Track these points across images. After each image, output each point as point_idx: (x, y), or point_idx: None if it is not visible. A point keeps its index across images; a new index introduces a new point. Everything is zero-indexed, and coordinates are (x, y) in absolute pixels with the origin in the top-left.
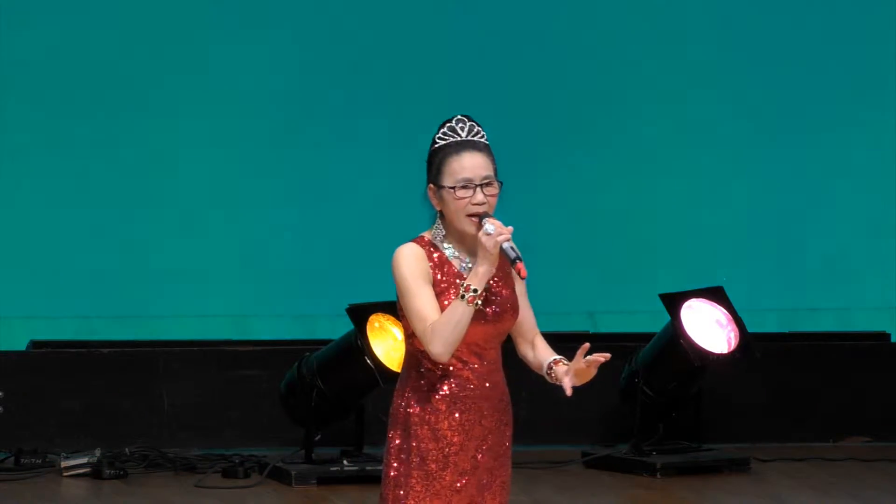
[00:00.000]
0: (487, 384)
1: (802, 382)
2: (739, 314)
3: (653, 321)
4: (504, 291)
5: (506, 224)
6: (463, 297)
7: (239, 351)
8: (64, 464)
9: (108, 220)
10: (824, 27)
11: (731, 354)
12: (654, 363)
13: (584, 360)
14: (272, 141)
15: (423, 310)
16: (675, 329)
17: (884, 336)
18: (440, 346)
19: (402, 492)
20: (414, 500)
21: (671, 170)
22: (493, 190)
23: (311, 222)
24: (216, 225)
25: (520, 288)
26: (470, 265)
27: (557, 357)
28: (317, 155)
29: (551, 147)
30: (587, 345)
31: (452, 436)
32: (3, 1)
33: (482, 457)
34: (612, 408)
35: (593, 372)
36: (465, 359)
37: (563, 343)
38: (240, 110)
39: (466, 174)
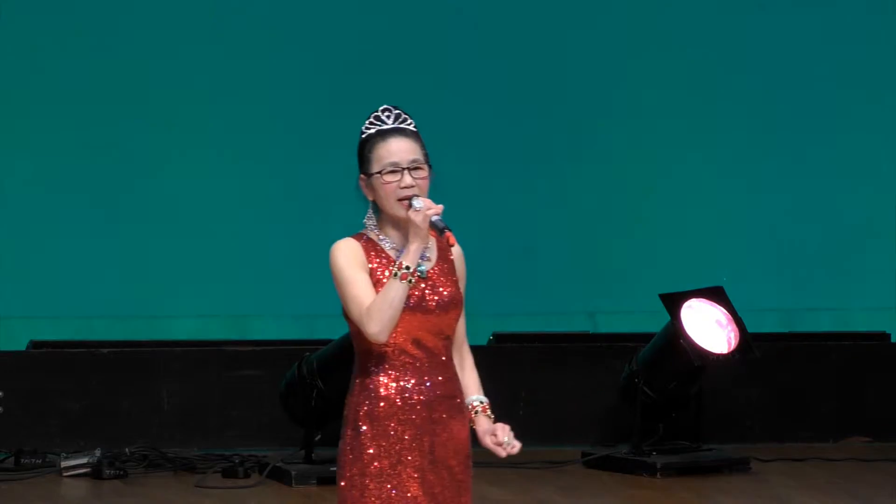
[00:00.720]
0: (437, 379)
1: (802, 382)
2: (739, 314)
3: (653, 321)
4: (448, 287)
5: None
6: (396, 274)
7: (239, 351)
8: (64, 464)
9: (109, 220)
10: (824, 26)
11: (731, 354)
12: (654, 363)
13: (490, 440)
14: (272, 141)
15: (360, 295)
16: (675, 329)
17: (884, 336)
18: (376, 325)
19: (357, 493)
20: (370, 499)
21: (671, 170)
22: (423, 173)
23: (310, 222)
24: (216, 225)
25: (462, 286)
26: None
27: (482, 400)
28: (317, 155)
29: (551, 147)
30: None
31: (403, 431)
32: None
33: (438, 452)
34: (612, 408)
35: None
36: (410, 352)
37: (564, 343)
38: (240, 110)
39: (393, 158)
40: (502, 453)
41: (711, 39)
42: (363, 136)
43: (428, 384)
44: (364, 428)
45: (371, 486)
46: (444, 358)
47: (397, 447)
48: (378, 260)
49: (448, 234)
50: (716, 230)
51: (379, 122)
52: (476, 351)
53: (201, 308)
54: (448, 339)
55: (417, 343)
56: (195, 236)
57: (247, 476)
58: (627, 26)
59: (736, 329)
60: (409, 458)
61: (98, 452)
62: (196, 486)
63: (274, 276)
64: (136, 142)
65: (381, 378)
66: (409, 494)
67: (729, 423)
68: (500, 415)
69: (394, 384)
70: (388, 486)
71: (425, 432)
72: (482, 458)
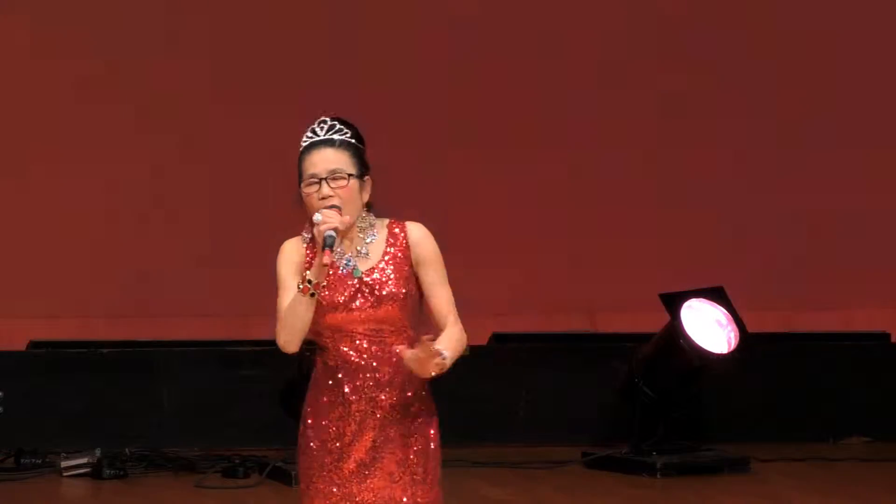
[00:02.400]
0: (380, 374)
1: (802, 382)
2: (739, 314)
3: (653, 321)
4: (390, 281)
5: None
6: (299, 287)
7: (239, 351)
8: (64, 464)
9: (109, 220)
10: (829, 23)
11: (731, 354)
12: (654, 363)
13: (422, 351)
14: (272, 141)
15: (281, 302)
16: (675, 329)
17: (884, 336)
18: (282, 336)
19: (304, 485)
20: (314, 491)
21: (671, 169)
22: (342, 183)
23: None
24: (216, 225)
25: (430, 276)
26: (344, 256)
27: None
28: None
29: (551, 147)
30: (426, 338)
31: (345, 427)
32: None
33: (384, 447)
34: (612, 408)
35: (428, 367)
36: (343, 351)
37: (564, 343)
38: (239, 111)
39: (312, 169)
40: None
41: (713, 38)
42: (299, 149)
43: (371, 380)
44: (309, 422)
45: (316, 481)
46: (387, 352)
47: (338, 444)
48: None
49: (328, 251)
50: (716, 230)
51: (312, 135)
52: (476, 351)
53: (201, 308)
54: (396, 334)
55: (352, 340)
56: (195, 236)
57: (247, 476)
58: (629, 25)
59: (736, 329)
60: (351, 451)
61: (98, 452)
62: (196, 486)
63: (274, 276)
64: (135, 142)
65: (326, 375)
66: (353, 492)
67: (729, 423)
68: (500, 415)
69: (337, 378)
70: (332, 481)
71: (367, 427)
72: (482, 458)
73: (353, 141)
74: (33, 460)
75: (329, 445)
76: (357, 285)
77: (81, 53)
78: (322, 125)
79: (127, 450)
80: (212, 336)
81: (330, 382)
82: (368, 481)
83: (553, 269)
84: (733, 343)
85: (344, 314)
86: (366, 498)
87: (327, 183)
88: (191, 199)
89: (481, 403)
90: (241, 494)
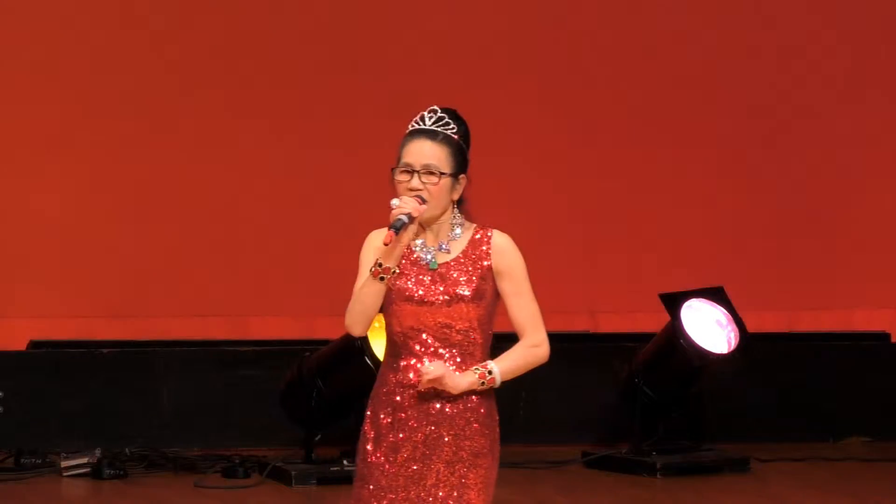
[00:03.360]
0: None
1: (802, 382)
2: (739, 314)
3: (653, 321)
4: (462, 281)
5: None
6: (371, 270)
7: (239, 351)
8: (64, 464)
9: (109, 220)
10: (826, 24)
11: (731, 354)
12: (654, 363)
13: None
14: (272, 141)
15: (355, 289)
16: (675, 329)
17: (884, 336)
18: (348, 318)
19: (367, 491)
20: (374, 484)
21: (672, 169)
22: (434, 179)
23: (311, 222)
24: (216, 225)
25: (510, 286)
26: (426, 248)
27: (481, 369)
28: (317, 155)
29: (551, 147)
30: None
31: (404, 421)
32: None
33: (448, 447)
34: (612, 408)
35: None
36: (411, 346)
37: (564, 343)
38: (239, 111)
39: (408, 158)
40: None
41: (713, 38)
42: (405, 132)
43: (432, 395)
44: (368, 413)
45: (378, 476)
46: (462, 351)
47: (391, 438)
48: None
49: (390, 233)
50: (716, 230)
51: (420, 122)
52: None
53: (201, 308)
54: (463, 334)
55: (419, 336)
56: (195, 236)
57: (247, 476)
58: (633, 24)
59: (736, 329)
60: (403, 449)
61: (98, 452)
62: (196, 486)
63: (274, 276)
64: (135, 142)
65: (389, 367)
66: (411, 489)
67: (729, 423)
68: (500, 415)
69: (410, 375)
70: (393, 474)
71: (424, 424)
72: None
73: (456, 137)
74: (33, 460)
75: (385, 436)
76: (431, 279)
77: (82, 53)
78: (431, 114)
79: (127, 450)
80: (212, 336)
81: (409, 379)
82: (433, 477)
83: (553, 269)
84: (733, 343)
85: (415, 307)
86: (412, 495)
87: (419, 176)
88: (191, 199)
89: None
90: (241, 494)
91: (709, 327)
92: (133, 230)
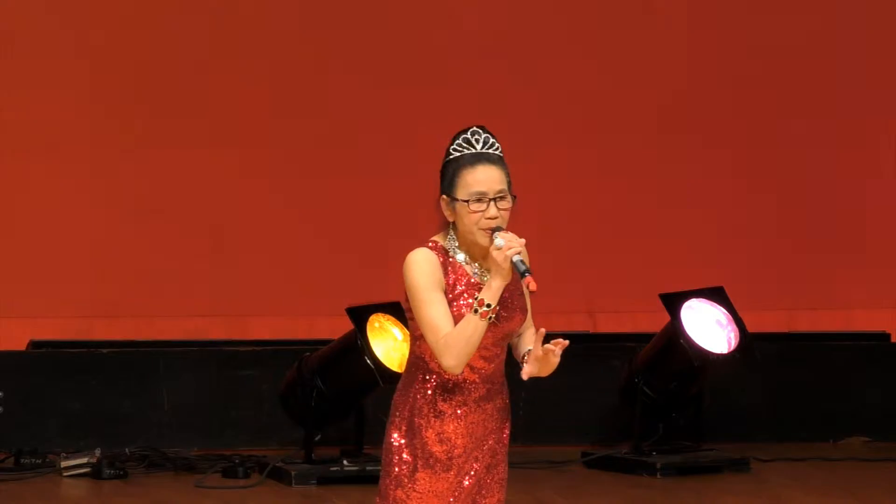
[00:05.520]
0: (492, 386)
1: (802, 382)
2: (739, 314)
3: (653, 321)
4: (514, 293)
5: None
6: (476, 311)
7: (239, 351)
8: (64, 464)
9: (109, 220)
10: (827, 22)
11: (731, 354)
12: (654, 363)
13: (541, 348)
14: (271, 141)
15: (436, 321)
16: (675, 329)
17: (884, 336)
18: (453, 359)
19: (402, 492)
20: (416, 501)
21: (671, 169)
22: (507, 204)
23: (311, 222)
24: (216, 225)
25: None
26: (479, 271)
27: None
28: (317, 155)
29: (551, 147)
30: (543, 330)
31: (457, 439)
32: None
33: (483, 457)
34: (612, 408)
35: (553, 360)
36: (473, 364)
37: None
38: (239, 110)
39: (481, 188)
40: (555, 348)
41: (713, 37)
42: (450, 157)
43: (484, 393)
44: (419, 431)
45: (419, 489)
46: (500, 364)
47: (450, 454)
48: (454, 275)
49: (529, 278)
50: (716, 230)
51: (468, 146)
52: None
53: (201, 308)
54: (497, 359)
55: (481, 355)
56: (195, 236)
57: (247, 476)
58: (631, 25)
59: (736, 329)
60: (459, 463)
61: (98, 452)
62: (196, 486)
63: (274, 275)
64: (135, 142)
65: (438, 384)
66: (452, 501)
67: (729, 423)
68: None
69: (453, 391)
70: (435, 490)
71: (476, 438)
72: None
73: (502, 155)
74: (33, 460)
75: (439, 457)
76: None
77: (82, 52)
78: (476, 136)
79: (127, 450)
80: (212, 336)
81: (452, 395)
82: (471, 490)
83: (553, 269)
84: (733, 343)
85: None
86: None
87: (495, 204)
88: (191, 199)
89: None
90: (241, 494)
91: (709, 327)
92: (133, 230)
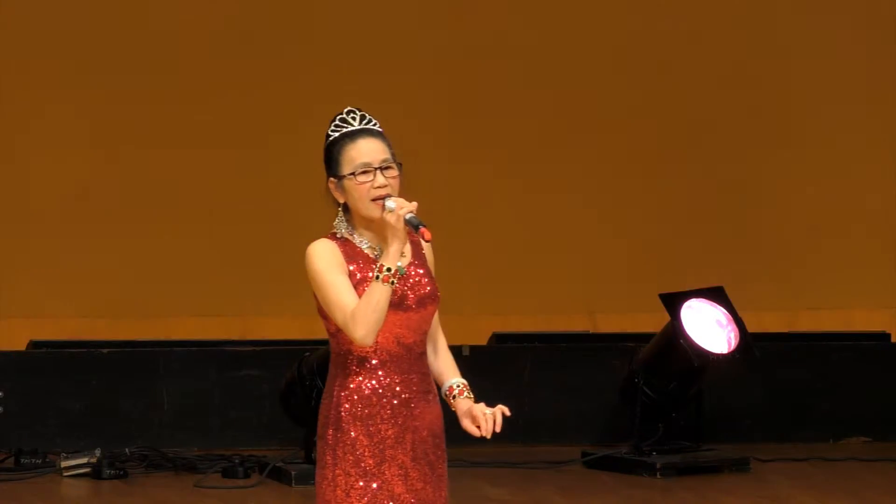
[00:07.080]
0: (416, 375)
1: (802, 382)
2: (739, 314)
3: (653, 321)
4: (425, 282)
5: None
6: (377, 277)
7: (239, 351)
8: (64, 464)
9: (109, 219)
10: (826, 23)
11: (731, 354)
12: (654, 363)
13: (481, 414)
14: (271, 141)
15: (342, 299)
16: (675, 329)
17: (884, 336)
18: (362, 329)
19: (341, 491)
20: (355, 497)
21: (670, 170)
22: (394, 172)
23: (311, 222)
24: (216, 225)
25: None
26: (381, 252)
27: (461, 383)
28: (317, 155)
29: (551, 147)
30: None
31: (386, 429)
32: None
33: (418, 448)
34: (612, 408)
35: (488, 423)
36: (393, 351)
37: (564, 343)
38: (239, 110)
39: (364, 159)
40: (477, 433)
41: (712, 37)
42: (330, 139)
43: (408, 381)
44: (347, 427)
45: (357, 485)
46: (420, 352)
47: (381, 446)
48: (357, 262)
49: (423, 230)
50: (715, 230)
51: (345, 125)
52: (476, 351)
53: (201, 308)
54: (425, 334)
55: (399, 341)
56: (195, 236)
57: (247, 476)
58: (631, 25)
59: (736, 329)
60: (393, 455)
61: (98, 452)
62: (196, 486)
63: (274, 276)
64: (135, 142)
65: (363, 377)
66: (395, 491)
67: (729, 423)
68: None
69: (375, 382)
70: (374, 484)
71: (407, 429)
72: (482, 458)
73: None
74: (33, 460)
75: (372, 449)
76: (403, 286)
77: (82, 50)
78: (353, 115)
79: (127, 450)
80: (212, 336)
81: (373, 385)
82: (408, 482)
83: (553, 269)
84: (733, 343)
85: (392, 314)
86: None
87: (382, 173)
88: (191, 199)
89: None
90: (241, 494)
91: (709, 327)
92: (133, 230)
